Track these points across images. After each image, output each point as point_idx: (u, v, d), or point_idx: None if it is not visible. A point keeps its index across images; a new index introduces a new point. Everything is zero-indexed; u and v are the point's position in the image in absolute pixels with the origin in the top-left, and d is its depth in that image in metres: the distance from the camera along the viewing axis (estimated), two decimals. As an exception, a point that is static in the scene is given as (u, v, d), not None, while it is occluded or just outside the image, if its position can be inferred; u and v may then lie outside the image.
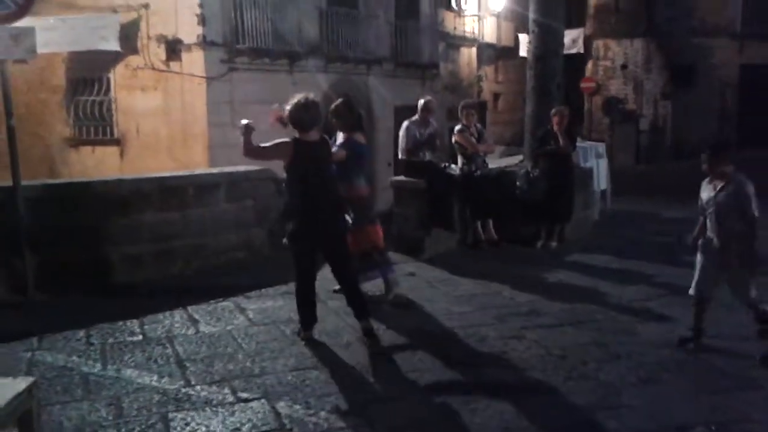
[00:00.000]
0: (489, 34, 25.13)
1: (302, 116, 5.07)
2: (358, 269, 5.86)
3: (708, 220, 5.22)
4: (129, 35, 13.20)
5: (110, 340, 5.27)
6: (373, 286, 6.46)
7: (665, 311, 6.20)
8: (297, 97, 5.11)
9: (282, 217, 5.39)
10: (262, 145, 5.09)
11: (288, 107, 5.10)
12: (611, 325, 5.83)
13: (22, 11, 6.20)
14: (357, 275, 5.63)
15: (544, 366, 4.89)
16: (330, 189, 5.23)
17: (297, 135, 5.11)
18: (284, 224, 5.23)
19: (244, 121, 5.10)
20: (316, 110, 5.13)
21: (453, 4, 23.03)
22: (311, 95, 5.17)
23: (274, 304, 6.22)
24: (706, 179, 5.27)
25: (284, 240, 5.20)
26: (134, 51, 13.43)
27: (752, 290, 5.13)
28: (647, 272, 7.64)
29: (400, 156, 8.39)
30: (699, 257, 5.27)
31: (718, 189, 5.11)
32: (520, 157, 10.63)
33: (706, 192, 5.23)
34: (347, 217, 5.31)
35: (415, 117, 8.26)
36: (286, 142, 5.07)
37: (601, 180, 11.38)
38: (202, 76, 13.20)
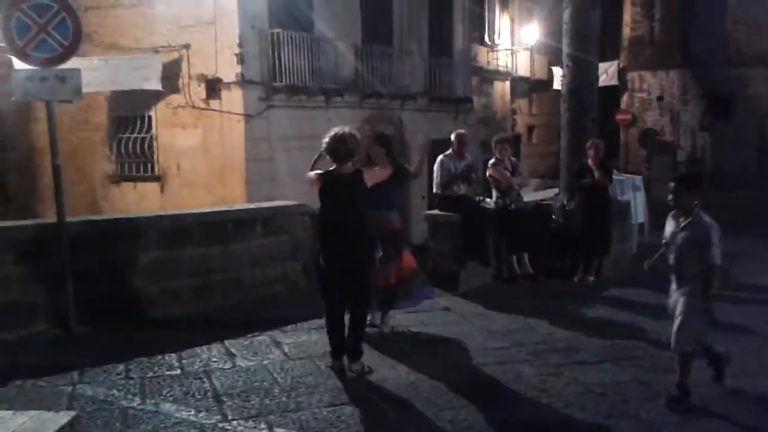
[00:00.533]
0: (522, 68, 25.24)
1: (336, 148, 5.21)
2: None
3: (669, 255, 4.99)
4: (170, 75, 13.55)
5: (149, 374, 5.34)
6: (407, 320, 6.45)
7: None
8: (334, 130, 5.29)
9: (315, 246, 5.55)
10: (309, 175, 5.40)
11: (325, 140, 5.26)
12: (652, 362, 5.72)
13: (68, 53, 6.40)
14: (367, 316, 5.67)
15: (584, 404, 4.81)
16: (358, 221, 5.31)
17: (330, 168, 5.28)
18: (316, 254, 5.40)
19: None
20: (352, 143, 5.26)
21: (486, 38, 23.22)
22: (348, 128, 5.32)
23: (310, 338, 6.24)
24: (672, 212, 5.05)
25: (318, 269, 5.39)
26: (175, 90, 13.78)
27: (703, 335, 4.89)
28: (688, 307, 7.48)
29: (434, 190, 8.42)
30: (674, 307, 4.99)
31: (681, 227, 4.87)
32: (556, 191, 10.58)
33: (670, 226, 5.00)
34: (375, 252, 5.45)
35: (449, 151, 8.31)
36: (317, 174, 5.30)
37: (639, 213, 11.25)
38: (240, 114, 13.46)
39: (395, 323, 6.53)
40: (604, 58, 19.42)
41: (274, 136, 13.86)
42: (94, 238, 6.66)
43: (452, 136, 8.39)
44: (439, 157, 8.30)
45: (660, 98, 24.84)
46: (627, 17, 25.30)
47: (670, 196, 4.94)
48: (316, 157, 5.43)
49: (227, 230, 7.56)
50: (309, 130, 14.40)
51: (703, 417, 4.62)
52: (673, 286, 4.97)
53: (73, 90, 6.36)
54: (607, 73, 22.38)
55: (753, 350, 5.99)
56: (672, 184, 4.95)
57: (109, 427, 4.39)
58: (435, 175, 8.28)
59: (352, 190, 5.28)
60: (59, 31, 6.30)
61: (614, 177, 9.88)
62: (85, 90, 6.81)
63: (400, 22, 17.98)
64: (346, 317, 5.43)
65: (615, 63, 24.54)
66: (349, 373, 5.31)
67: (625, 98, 25.40)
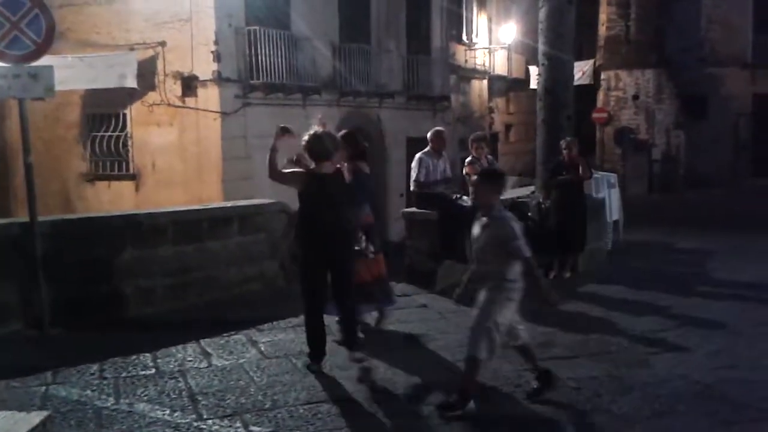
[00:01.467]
0: (500, 67, 25.37)
1: (315, 147, 5.23)
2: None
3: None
4: (145, 72, 13.44)
5: (123, 374, 5.30)
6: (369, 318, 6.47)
7: (680, 342, 6.16)
8: (312, 130, 5.29)
9: (293, 244, 5.57)
10: (284, 170, 5.39)
11: (305, 139, 5.27)
12: (625, 356, 5.79)
13: (41, 50, 6.33)
14: (356, 306, 5.67)
15: (559, 398, 4.85)
16: (341, 218, 5.34)
17: (313, 167, 5.29)
18: (295, 251, 5.44)
19: (281, 127, 5.39)
20: (330, 142, 5.29)
21: (464, 37, 23.30)
22: (319, 130, 5.31)
23: (286, 336, 6.23)
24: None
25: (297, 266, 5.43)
26: (150, 87, 13.67)
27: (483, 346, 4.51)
28: (661, 303, 7.60)
29: (411, 187, 8.43)
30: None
31: (482, 226, 4.65)
32: (532, 188, 10.65)
33: (476, 227, 4.73)
34: (357, 247, 5.46)
35: (428, 148, 8.31)
36: (301, 172, 5.33)
37: (614, 210, 11.37)
38: (216, 111, 13.40)
39: (371, 320, 6.52)
40: (580, 57, 19.63)
41: (251, 134, 13.80)
42: (67, 238, 6.58)
43: (430, 134, 8.39)
44: (418, 155, 8.31)
45: (635, 97, 25.08)
46: (603, 16, 25.51)
47: (472, 192, 4.84)
48: (274, 140, 5.36)
49: (203, 228, 7.52)
50: (286, 128, 14.37)
51: (674, 411, 4.68)
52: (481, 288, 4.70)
53: (45, 87, 6.29)
54: (582, 71, 22.59)
55: (727, 346, 6.09)
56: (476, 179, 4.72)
57: (83, 428, 4.35)
58: (413, 172, 8.27)
59: (334, 189, 5.29)
60: (32, 27, 6.23)
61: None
62: (59, 88, 6.75)
63: (377, 20, 17.99)
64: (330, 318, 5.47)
65: (591, 62, 24.76)
66: (356, 363, 5.34)
67: (600, 97, 25.61)
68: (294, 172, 5.39)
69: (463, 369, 4.74)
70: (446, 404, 4.60)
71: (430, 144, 8.30)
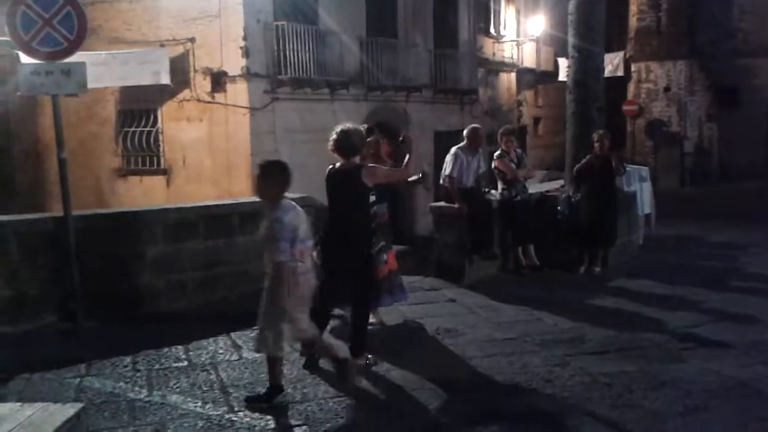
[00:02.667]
0: (528, 59, 25.17)
1: (341, 143, 5.21)
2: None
3: None
4: (176, 68, 13.56)
5: (156, 366, 5.37)
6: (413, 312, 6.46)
7: (713, 338, 6.07)
8: (340, 126, 5.29)
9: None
10: None
11: (332, 135, 5.24)
12: (657, 352, 5.72)
13: (73, 47, 6.41)
14: (369, 310, 5.61)
15: (590, 394, 4.82)
16: (356, 216, 5.24)
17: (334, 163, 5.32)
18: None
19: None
20: (357, 138, 5.25)
21: (492, 30, 23.15)
22: (350, 125, 5.31)
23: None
24: None
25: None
26: (181, 83, 13.80)
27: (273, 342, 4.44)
28: (693, 298, 7.49)
29: (441, 180, 8.38)
30: None
31: (266, 219, 4.52)
32: (561, 182, 10.55)
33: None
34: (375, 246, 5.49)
35: (464, 143, 8.26)
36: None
37: (645, 204, 11.21)
38: (245, 107, 13.49)
39: (385, 317, 6.50)
40: (610, 49, 19.37)
41: (279, 128, 13.88)
42: (100, 232, 6.68)
43: (467, 131, 8.35)
44: (453, 149, 8.25)
45: (667, 89, 24.73)
46: (633, 8, 25.17)
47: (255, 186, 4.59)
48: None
49: (232, 223, 7.57)
50: (314, 122, 14.44)
51: (707, 408, 4.61)
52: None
53: (78, 84, 6.38)
54: (612, 63, 22.31)
55: (761, 341, 5.98)
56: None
57: (117, 419, 4.42)
58: (446, 165, 8.19)
59: (350, 186, 5.18)
60: (64, 24, 6.31)
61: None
62: (92, 85, 6.83)
63: (404, 15, 17.94)
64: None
65: (621, 54, 24.45)
66: (356, 365, 5.19)
67: (631, 89, 25.29)
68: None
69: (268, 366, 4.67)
70: (254, 396, 4.64)
71: (466, 140, 8.24)
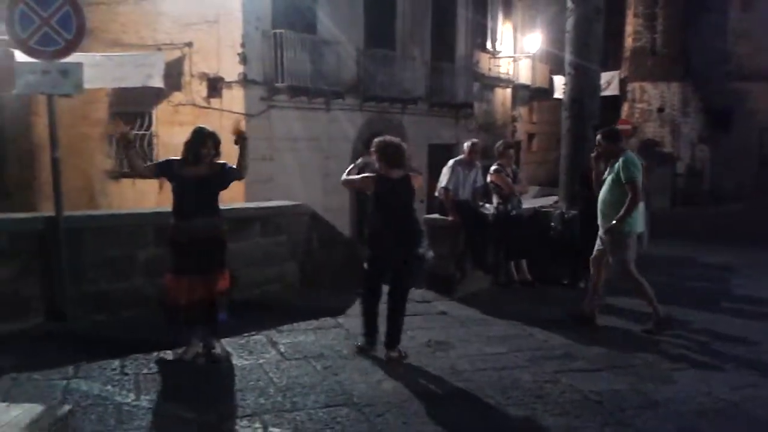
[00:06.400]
0: (524, 75, 25.29)
1: (395, 154, 5.67)
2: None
3: None
4: (172, 72, 13.55)
5: (144, 371, 5.30)
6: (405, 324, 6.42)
7: (704, 358, 6.07)
8: (379, 138, 5.74)
9: (365, 242, 5.91)
10: (352, 177, 5.92)
11: (380, 144, 5.71)
12: (649, 371, 5.71)
13: (71, 47, 6.38)
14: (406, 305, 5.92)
15: (581, 411, 4.79)
16: (409, 221, 5.76)
17: (381, 171, 5.67)
18: (364, 247, 5.90)
19: (361, 160, 6.00)
20: (392, 150, 5.68)
21: (488, 45, 23.26)
22: (389, 138, 5.80)
23: (306, 339, 6.22)
24: None
25: (364, 264, 5.82)
26: (176, 87, 13.78)
27: None
28: (684, 318, 7.50)
29: (437, 192, 8.39)
30: None
31: None
32: (555, 198, 10.58)
33: None
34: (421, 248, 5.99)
35: (461, 157, 8.32)
36: (370, 177, 5.72)
37: (638, 223, 11.21)
38: (241, 113, 13.47)
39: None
40: (606, 68, 19.47)
41: (274, 136, 13.87)
42: (91, 233, 6.62)
43: (466, 145, 8.50)
44: (451, 162, 8.31)
45: (660, 110, 24.92)
46: (629, 28, 25.39)
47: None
48: (356, 164, 5.97)
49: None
50: (310, 131, 14.44)
51: (698, 429, 4.60)
52: None
53: (74, 84, 6.34)
54: (608, 82, 22.45)
55: (752, 363, 5.98)
56: None
57: (103, 423, 4.36)
58: (443, 177, 8.25)
59: (405, 191, 5.69)
60: (63, 24, 6.27)
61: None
62: (87, 86, 6.79)
63: (403, 27, 18.02)
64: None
65: (616, 73, 24.61)
66: (390, 357, 5.67)
67: (625, 108, 25.45)
68: (364, 177, 5.80)
69: None
70: None
71: (465, 154, 8.32)
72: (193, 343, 5.50)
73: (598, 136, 7.08)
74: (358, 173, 5.88)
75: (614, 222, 6.59)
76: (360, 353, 5.78)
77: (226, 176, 5.52)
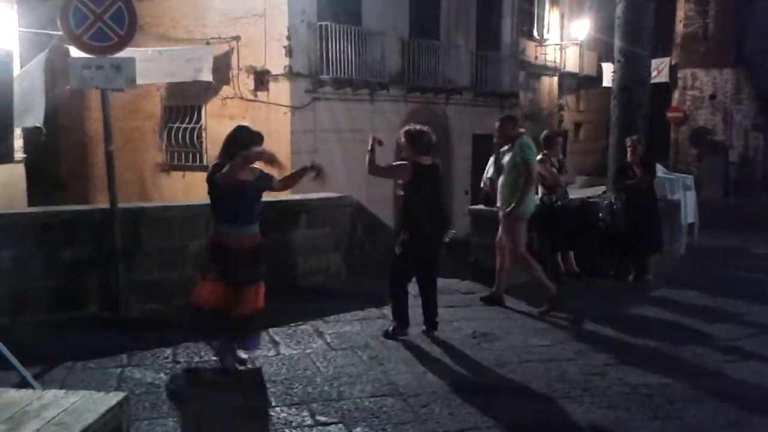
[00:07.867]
0: (571, 63, 24.91)
1: (422, 140, 5.78)
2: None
3: None
4: (220, 66, 13.75)
5: (195, 359, 5.44)
6: (450, 315, 6.44)
7: (755, 351, 5.94)
8: (408, 126, 5.86)
9: (399, 228, 6.05)
10: (383, 165, 5.97)
11: (403, 135, 5.83)
12: (699, 363, 5.62)
13: (123, 42, 6.54)
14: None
15: (629, 404, 4.74)
16: (441, 205, 6.06)
17: (415, 159, 5.76)
18: (399, 234, 5.96)
19: (374, 136, 5.87)
20: (427, 138, 5.79)
21: (535, 33, 22.97)
22: (419, 126, 5.89)
23: (352, 329, 6.28)
24: None
25: (396, 248, 5.87)
26: (225, 81, 13.99)
27: None
28: (736, 310, 7.34)
29: (482, 184, 8.33)
30: None
31: None
32: (603, 188, 10.42)
33: None
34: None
35: (507, 147, 8.21)
36: (405, 164, 5.77)
37: (689, 213, 11.02)
38: (287, 106, 13.60)
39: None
40: (656, 55, 19.06)
41: (319, 128, 13.97)
42: (145, 224, 6.80)
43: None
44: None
45: (712, 97, 24.27)
46: (680, 13, 24.75)
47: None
48: (371, 145, 5.79)
49: (272, 221, 7.62)
50: (354, 122, 14.49)
51: (749, 423, 4.51)
52: None
53: (127, 79, 6.50)
54: (658, 70, 21.97)
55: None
56: None
57: (157, 410, 4.49)
58: (487, 168, 8.18)
59: (438, 179, 5.94)
60: (115, 20, 6.43)
61: (665, 175, 9.69)
62: (140, 81, 6.93)
63: (447, 16, 17.91)
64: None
65: (667, 59, 24.06)
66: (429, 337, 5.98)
67: (676, 95, 24.87)
68: (398, 164, 5.88)
69: None
70: None
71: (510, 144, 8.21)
72: (227, 359, 5.17)
73: (497, 123, 7.24)
74: (373, 156, 5.79)
75: (513, 205, 6.75)
76: (393, 338, 5.92)
77: (266, 183, 5.34)
